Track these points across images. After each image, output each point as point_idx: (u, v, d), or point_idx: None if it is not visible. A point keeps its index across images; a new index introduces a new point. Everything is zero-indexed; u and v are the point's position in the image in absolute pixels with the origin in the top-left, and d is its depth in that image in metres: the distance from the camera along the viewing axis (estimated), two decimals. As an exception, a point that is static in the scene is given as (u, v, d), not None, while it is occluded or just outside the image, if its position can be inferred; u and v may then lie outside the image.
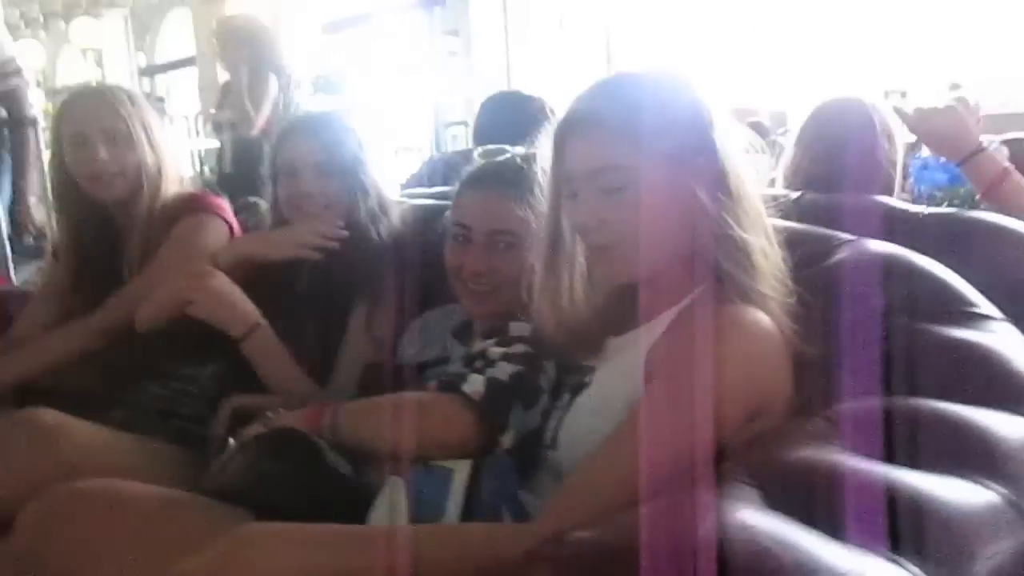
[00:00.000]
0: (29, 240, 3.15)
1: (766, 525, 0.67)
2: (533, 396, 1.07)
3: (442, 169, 2.59)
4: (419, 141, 6.68)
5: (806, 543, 0.65)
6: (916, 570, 0.65)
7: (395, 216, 1.61)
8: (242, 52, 3.58)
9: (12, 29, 6.12)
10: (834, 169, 1.54)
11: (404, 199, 1.91)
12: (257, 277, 1.53)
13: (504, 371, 1.07)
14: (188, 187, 1.82)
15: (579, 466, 0.91)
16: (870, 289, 1.00)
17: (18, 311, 1.81)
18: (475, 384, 1.05)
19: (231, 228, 1.74)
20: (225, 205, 1.78)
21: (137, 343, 1.48)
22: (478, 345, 1.16)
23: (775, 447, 0.82)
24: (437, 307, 1.45)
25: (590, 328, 1.07)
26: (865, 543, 0.68)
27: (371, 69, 7.12)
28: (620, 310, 1.07)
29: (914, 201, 2.25)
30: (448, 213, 1.35)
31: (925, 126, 1.59)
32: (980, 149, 1.57)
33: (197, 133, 6.49)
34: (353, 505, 0.98)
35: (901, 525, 0.69)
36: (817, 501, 0.74)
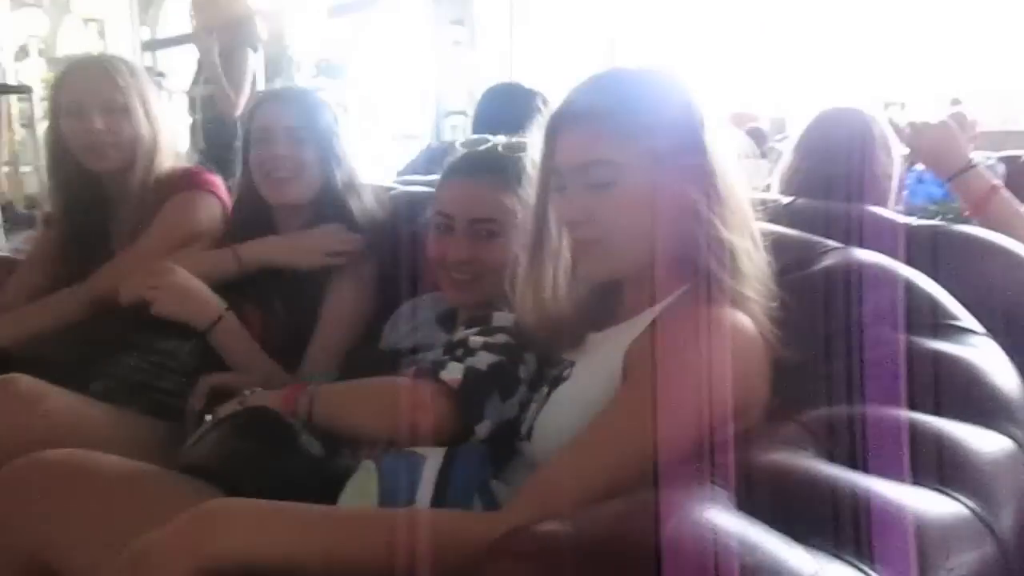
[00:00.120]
0: None
1: (732, 526, 0.67)
2: (511, 387, 1.07)
3: (440, 158, 2.56)
4: (419, 129, 6.67)
5: (770, 546, 0.65)
6: (878, 577, 0.65)
7: (368, 196, 1.61)
8: (217, 26, 3.46)
9: (14, -3, 6.09)
10: (830, 177, 1.54)
11: (395, 185, 1.92)
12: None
13: (483, 361, 1.07)
14: (183, 162, 1.81)
15: (551, 458, 0.90)
16: (852, 297, 1.00)
17: (4, 278, 1.80)
18: (453, 372, 1.05)
19: (224, 206, 1.74)
20: (219, 182, 1.77)
21: (119, 315, 1.47)
22: (459, 334, 1.15)
23: (748, 450, 0.82)
24: (423, 294, 1.45)
25: (571, 322, 1.07)
26: (831, 548, 0.68)
27: (374, 55, 7.09)
28: (602, 305, 1.07)
29: (907, 213, 2.26)
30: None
31: (918, 140, 1.60)
32: (970, 166, 1.58)
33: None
34: (324, 487, 0.97)
35: (867, 532, 0.69)
36: (787, 505, 0.74)
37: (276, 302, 1.55)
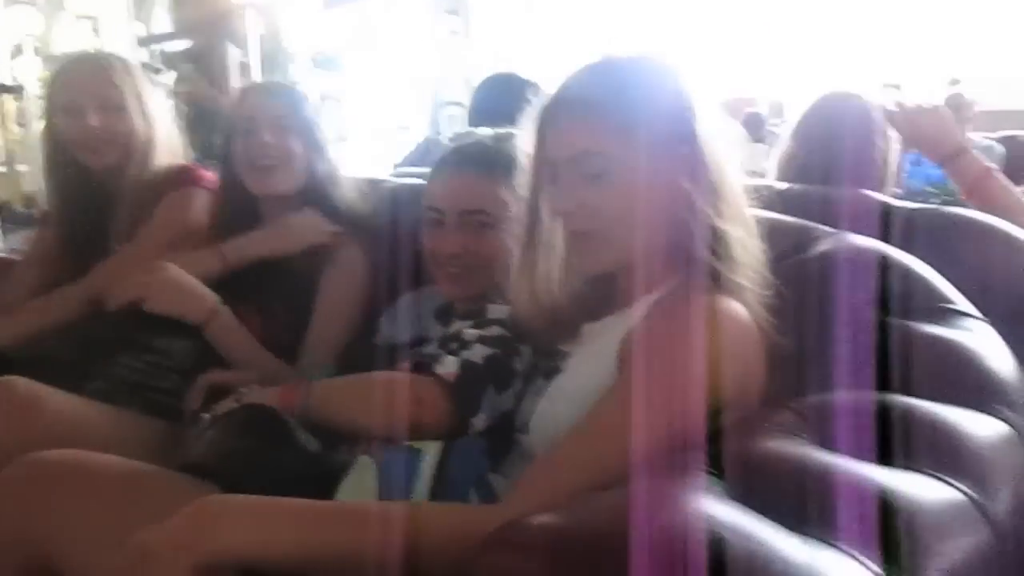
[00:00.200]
0: None
1: (725, 516, 0.67)
2: (507, 380, 1.07)
3: (437, 150, 2.57)
4: (416, 121, 6.65)
5: (763, 534, 0.65)
6: (872, 564, 0.65)
7: (350, 188, 1.61)
8: (196, 19, 3.38)
9: (8, -6, 6.06)
10: (828, 163, 1.54)
11: (392, 177, 1.91)
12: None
13: (479, 354, 1.07)
14: (180, 159, 1.81)
15: (548, 450, 0.90)
16: (847, 283, 1.00)
17: (2, 278, 1.80)
18: (449, 366, 1.05)
19: None
20: (215, 179, 1.77)
21: (115, 315, 1.47)
22: (455, 327, 1.15)
23: (742, 438, 0.82)
24: (422, 287, 1.45)
25: (566, 313, 1.07)
26: (825, 536, 0.68)
27: (370, 47, 7.07)
28: (597, 296, 1.07)
29: (905, 196, 2.25)
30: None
31: (909, 126, 1.59)
32: (963, 150, 1.57)
33: (193, 105, 6.43)
34: (322, 483, 0.97)
35: (862, 519, 0.69)
36: (781, 493, 0.74)
37: (274, 302, 1.55)
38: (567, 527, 0.71)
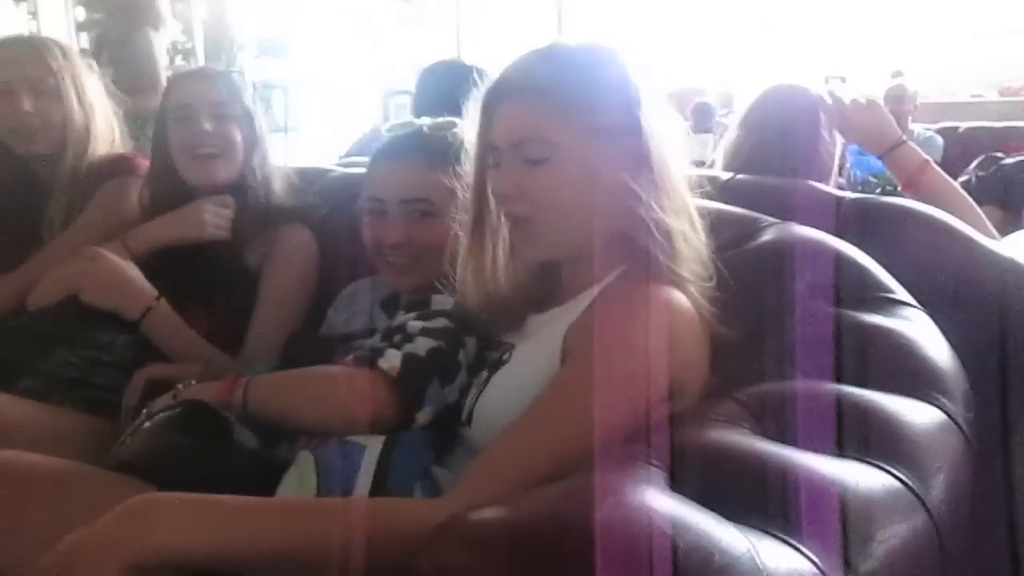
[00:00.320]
0: None
1: (666, 508, 0.66)
2: (451, 372, 1.06)
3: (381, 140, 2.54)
4: (365, 110, 6.58)
5: (704, 526, 0.65)
6: (810, 552, 0.66)
7: (281, 179, 1.59)
8: (108, 9, 3.13)
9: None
10: (775, 153, 1.56)
11: (337, 167, 1.89)
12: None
13: (422, 346, 1.05)
14: (119, 148, 1.76)
15: (492, 443, 0.90)
16: (789, 272, 1.01)
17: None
18: (392, 359, 1.03)
19: None
20: None
21: (49, 308, 1.42)
22: (398, 319, 1.14)
23: (684, 428, 0.82)
24: (368, 277, 1.43)
25: (512, 303, 1.06)
26: (764, 525, 0.68)
27: (319, 35, 6.97)
28: (542, 287, 1.07)
29: (850, 186, 2.29)
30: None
31: (847, 121, 1.62)
32: (900, 142, 1.61)
33: (136, 93, 6.28)
34: (262, 480, 0.95)
35: (799, 508, 0.70)
36: (721, 483, 0.74)
37: (216, 293, 1.51)
38: (510, 521, 0.70)
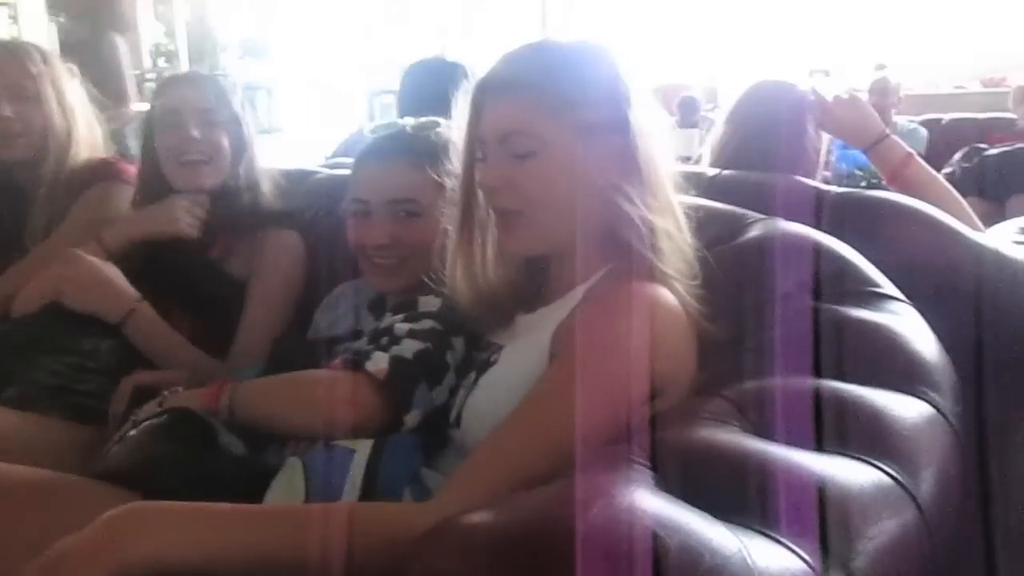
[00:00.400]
0: None
1: (654, 509, 0.66)
2: (439, 374, 1.05)
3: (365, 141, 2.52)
4: (350, 110, 6.56)
5: (693, 525, 0.64)
6: (800, 550, 0.65)
7: (266, 182, 1.58)
8: (76, 4, 3.03)
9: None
10: (761, 149, 1.56)
11: (323, 168, 1.88)
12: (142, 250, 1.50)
13: (409, 349, 1.04)
14: (100, 153, 1.74)
15: (480, 445, 0.89)
16: (776, 268, 1.01)
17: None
18: (379, 362, 1.02)
19: None
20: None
21: (32, 315, 1.41)
22: (385, 321, 1.13)
23: (672, 427, 0.82)
24: (355, 279, 1.42)
25: (501, 300, 1.06)
26: (754, 523, 0.68)
27: (302, 34, 6.94)
28: (531, 286, 1.07)
29: (836, 180, 2.30)
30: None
31: (830, 117, 1.63)
32: (884, 136, 1.62)
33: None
34: (250, 487, 0.94)
35: (793, 505, 0.69)
36: (713, 481, 0.74)
37: (203, 296, 1.51)
38: (500, 525, 0.70)
